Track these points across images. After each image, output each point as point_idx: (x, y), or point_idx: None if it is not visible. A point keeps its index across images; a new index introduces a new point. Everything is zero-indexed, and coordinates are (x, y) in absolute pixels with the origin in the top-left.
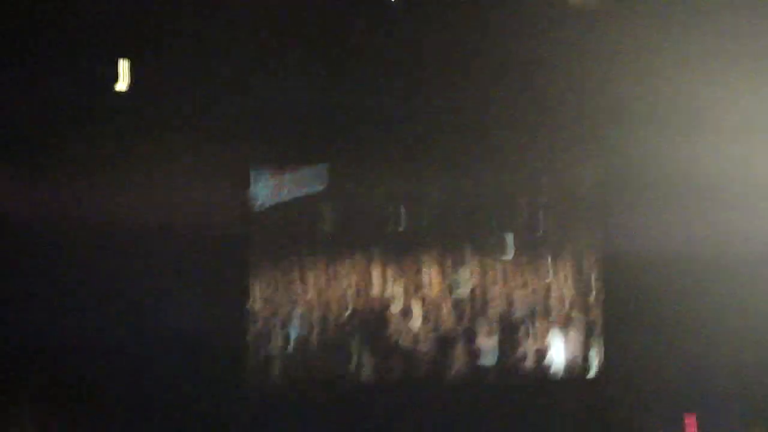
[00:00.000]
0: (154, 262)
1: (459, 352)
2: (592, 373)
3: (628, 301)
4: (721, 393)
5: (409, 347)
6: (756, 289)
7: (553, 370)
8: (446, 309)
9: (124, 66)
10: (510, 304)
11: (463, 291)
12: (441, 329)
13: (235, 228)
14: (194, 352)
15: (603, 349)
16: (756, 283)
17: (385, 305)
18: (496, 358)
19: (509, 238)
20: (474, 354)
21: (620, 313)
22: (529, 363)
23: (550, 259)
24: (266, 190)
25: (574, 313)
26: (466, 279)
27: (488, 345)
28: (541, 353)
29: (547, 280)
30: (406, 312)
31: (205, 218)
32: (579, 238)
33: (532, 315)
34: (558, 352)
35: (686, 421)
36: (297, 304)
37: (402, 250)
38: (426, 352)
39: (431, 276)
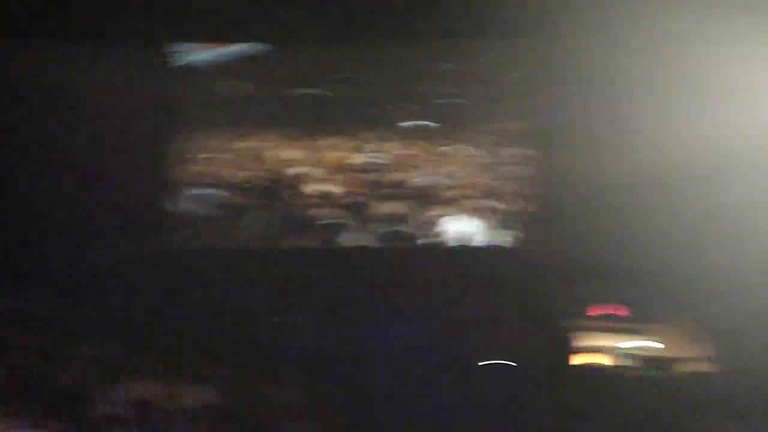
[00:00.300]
0: (78, 130)
1: (366, 218)
2: (515, 245)
3: (557, 176)
4: (651, 280)
5: (315, 213)
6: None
7: (470, 240)
8: (356, 177)
9: None
10: (425, 172)
11: (375, 160)
12: (349, 196)
13: (154, 97)
14: (112, 216)
15: (527, 224)
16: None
17: (294, 173)
18: (404, 226)
19: (425, 109)
20: (383, 222)
21: (547, 190)
22: (440, 232)
23: (467, 131)
24: (186, 62)
25: (495, 184)
26: (378, 148)
27: (396, 213)
28: (455, 223)
29: (465, 151)
30: (314, 179)
31: (127, 88)
32: (505, 112)
33: (448, 184)
34: (475, 223)
35: (614, 309)
36: (212, 170)
37: (313, 121)
38: (333, 219)
39: (340, 145)
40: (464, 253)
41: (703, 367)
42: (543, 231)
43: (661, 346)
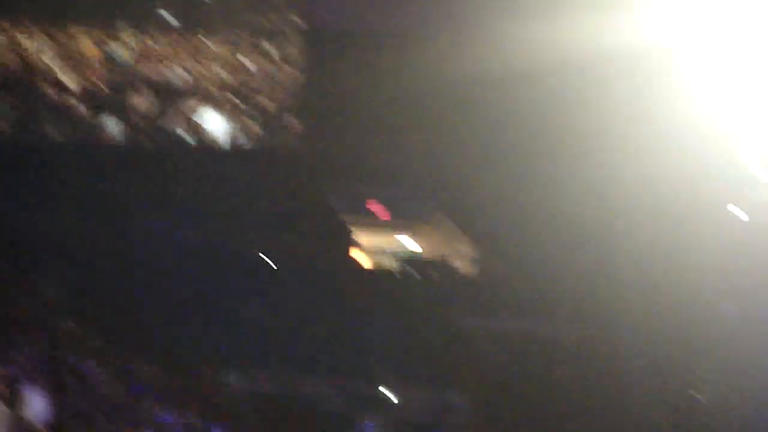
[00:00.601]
0: None
1: (117, 116)
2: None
3: (325, 77)
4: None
5: (66, 109)
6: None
7: (226, 138)
8: (99, 70)
9: None
10: (175, 73)
11: (123, 58)
12: (98, 93)
13: None
14: None
15: (296, 123)
16: None
17: (36, 64)
18: (159, 124)
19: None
20: (135, 119)
21: (314, 90)
22: (195, 129)
23: (223, 28)
24: None
25: (255, 82)
26: (126, 47)
27: (149, 111)
28: (211, 121)
29: (223, 47)
30: (56, 71)
31: None
32: (265, 7)
33: (204, 80)
34: (232, 121)
35: (371, 206)
36: None
37: (55, 12)
38: (81, 115)
39: (84, 37)
40: (220, 151)
41: (462, 266)
42: (305, 129)
43: (424, 244)
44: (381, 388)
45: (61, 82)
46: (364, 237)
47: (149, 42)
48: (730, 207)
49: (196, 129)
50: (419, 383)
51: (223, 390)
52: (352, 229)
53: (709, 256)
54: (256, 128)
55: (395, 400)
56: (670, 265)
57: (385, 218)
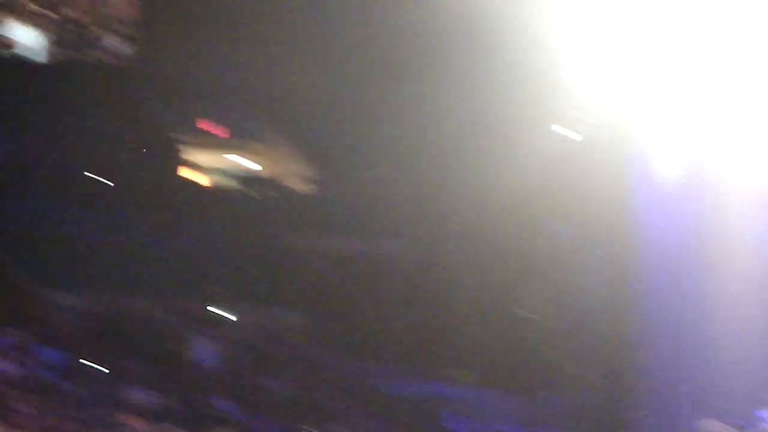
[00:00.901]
0: None
1: None
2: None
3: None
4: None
5: None
6: None
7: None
8: None
9: None
10: None
11: None
12: None
13: None
14: None
15: (124, 39)
16: None
17: None
18: None
19: None
20: None
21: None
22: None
23: None
24: None
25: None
26: None
27: None
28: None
29: None
30: None
31: None
32: None
33: None
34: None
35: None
36: None
37: None
38: None
39: None
40: (39, 66)
41: (297, 185)
42: (133, 45)
43: (258, 163)
44: (214, 307)
45: None
46: (197, 155)
47: None
48: (555, 127)
49: (11, 44)
50: (253, 302)
51: (54, 310)
52: (185, 146)
53: (536, 176)
54: (81, 44)
55: (229, 319)
56: (498, 185)
57: (219, 136)
